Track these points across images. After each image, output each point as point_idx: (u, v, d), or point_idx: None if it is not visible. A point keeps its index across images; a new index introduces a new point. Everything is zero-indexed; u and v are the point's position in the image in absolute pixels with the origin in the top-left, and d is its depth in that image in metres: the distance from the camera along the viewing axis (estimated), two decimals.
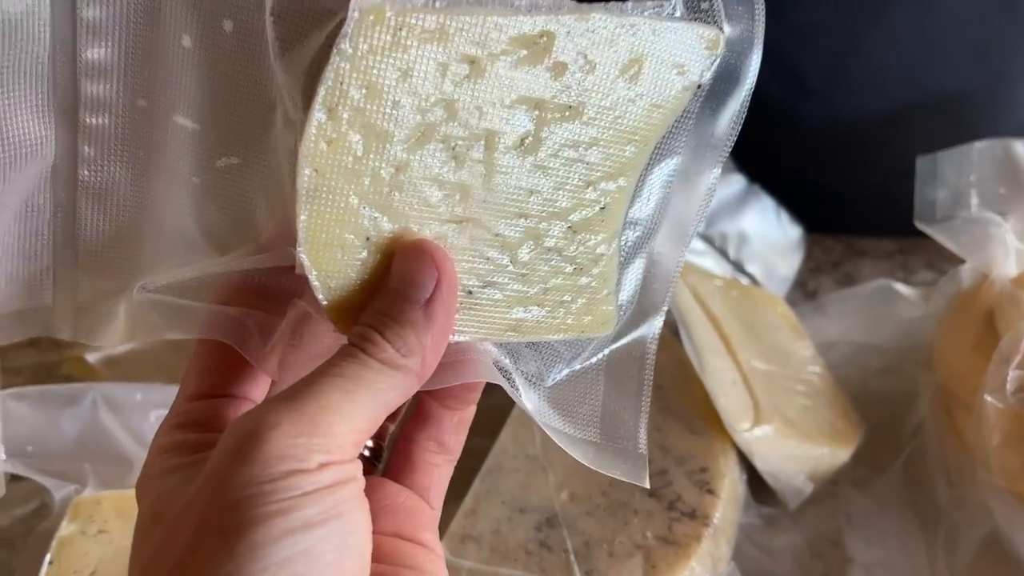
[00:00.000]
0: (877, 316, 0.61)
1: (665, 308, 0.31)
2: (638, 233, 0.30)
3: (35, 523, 0.52)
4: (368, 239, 0.25)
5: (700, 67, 0.27)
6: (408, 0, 0.23)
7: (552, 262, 0.28)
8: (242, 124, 0.26)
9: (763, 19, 0.27)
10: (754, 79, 0.28)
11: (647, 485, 0.29)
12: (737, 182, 0.68)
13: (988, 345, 0.49)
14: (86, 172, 0.28)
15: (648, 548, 0.46)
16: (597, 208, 0.27)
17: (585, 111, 0.26)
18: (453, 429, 0.29)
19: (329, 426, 0.23)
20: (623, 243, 0.29)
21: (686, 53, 0.26)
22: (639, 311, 0.31)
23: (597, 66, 0.26)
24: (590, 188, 0.27)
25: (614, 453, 0.30)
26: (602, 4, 0.25)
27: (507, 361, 0.29)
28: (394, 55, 0.24)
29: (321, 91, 0.23)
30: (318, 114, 0.24)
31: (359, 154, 0.24)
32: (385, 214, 0.25)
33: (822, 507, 0.53)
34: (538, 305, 0.28)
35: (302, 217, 0.24)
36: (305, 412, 0.22)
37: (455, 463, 0.30)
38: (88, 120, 0.27)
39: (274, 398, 0.23)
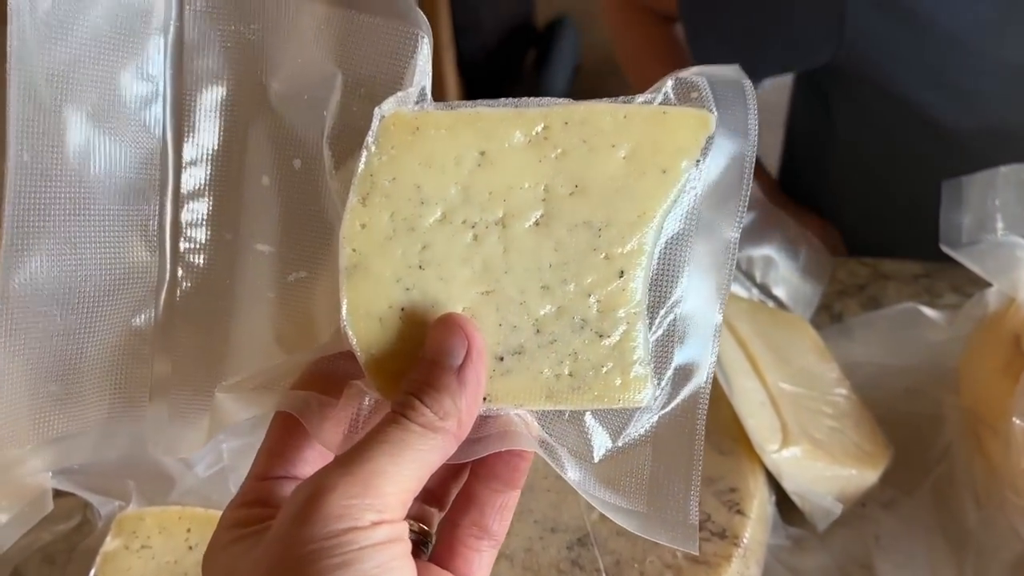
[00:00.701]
0: (903, 339, 0.61)
1: (709, 372, 0.31)
2: (667, 300, 0.31)
3: (77, 539, 0.53)
4: (403, 310, 0.29)
5: (694, 145, 0.29)
6: (424, 104, 0.28)
7: (578, 329, 0.29)
8: (309, 243, 0.31)
9: (754, 100, 0.30)
10: (755, 147, 0.30)
11: (696, 552, 0.30)
12: (763, 208, 0.69)
13: (1015, 368, 0.50)
14: (180, 295, 0.32)
15: (678, 568, 0.46)
16: (615, 275, 0.29)
17: (589, 188, 0.29)
18: (497, 514, 0.30)
19: (379, 488, 0.25)
20: (653, 311, 0.30)
21: (679, 134, 0.29)
22: (681, 377, 0.31)
23: (597, 150, 0.29)
24: (603, 256, 0.29)
25: (662, 522, 0.30)
26: (596, 100, 0.29)
27: (552, 440, 0.30)
28: (414, 150, 0.28)
29: (355, 181, 0.28)
30: (353, 200, 0.28)
31: (390, 234, 0.29)
32: (417, 287, 0.29)
33: (850, 529, 0.53)
34: (569, 373, 0.30)
35: (344, 290, 0.28)
36: (358, 476, 0.25)
37: (498, 548, 0.31)
38: (186, 252, 0.32)
39: (330, 464, 0.26)
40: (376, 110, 0.28)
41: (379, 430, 0.27)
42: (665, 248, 0.30)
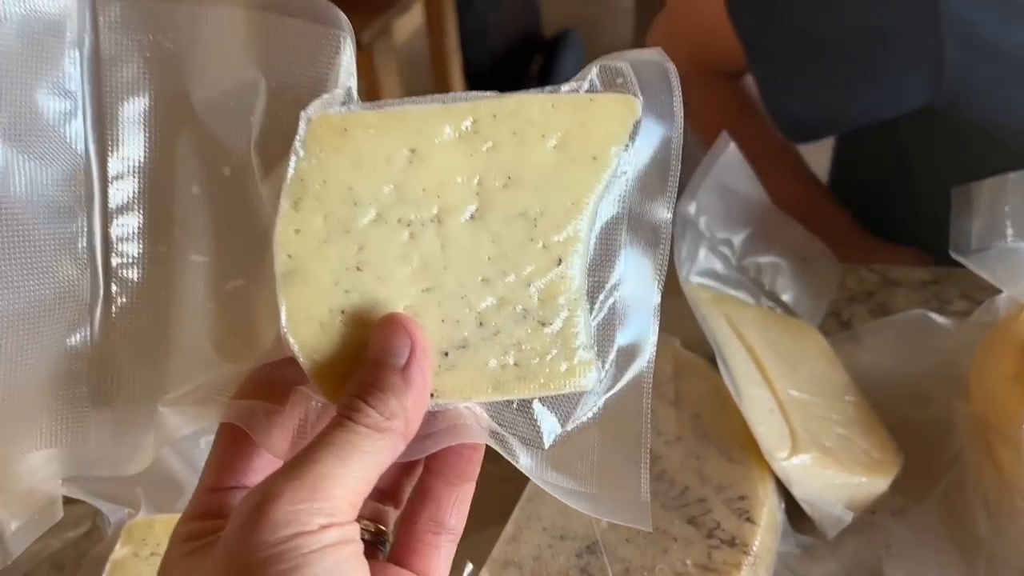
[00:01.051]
0: (913, 346, 0.61)
1: (652, 351, 0.32)
2: (606, 284, 0.31)
3: (86, 546, 0.54)
4: (344, 312, 0.29)
5: (622, 130, 0.30)
6: (351, 105, 0.28)
7: (520, 319, 0.30)
8: (243, 250, 0.31)
9: (678, 81, 0.30)
10: (681, 128, 0.30)
11: (649, 528, 0.31)
12: (771, 214, 0.69)
13: None
14: (116, 312, 0.31)
15: None
16: (553, 263, 0.30)
17: (522, 179, 0.29)
18: (453, 508, 0.30)
19: (327, 491, 0.25)
20: (593, 296, 0.31)
21: (606, 120, 0.29)
22: (625, 358, 0.32)
23: (527, 141, 0.29)
24: (540, 245, 0.29)
25: (613, 502, 0.31)
26: (523, 91, 0.29)
27: (502, 430, 0.31)
28: (343, 151, 0.28)
29: (286, 187, 0.28)
30: (285, 206, 0.28)
31: (325, 238, 0.28)
32: (356, 289, 0.29)
33: (860, 537, 0.53)
34: (515, 363, 0.30)
35: (282, 297, 0.28)
36: (305, 480, 0.25)
37: (456, 542, 0.31)
38: (118, 268, 0.31)
39: (277, 471, 0.26)
40: (302, 114, 0.28)
41: (325, 433, 0.27)
42: (601, 233, 0.30)
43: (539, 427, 0.31)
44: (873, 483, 0.53)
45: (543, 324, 0.30)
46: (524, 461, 0.30)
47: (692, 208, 0.60)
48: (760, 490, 0.50)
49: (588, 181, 0.29)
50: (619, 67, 0.30)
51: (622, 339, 0.31)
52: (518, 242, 0.29)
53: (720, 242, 0.65)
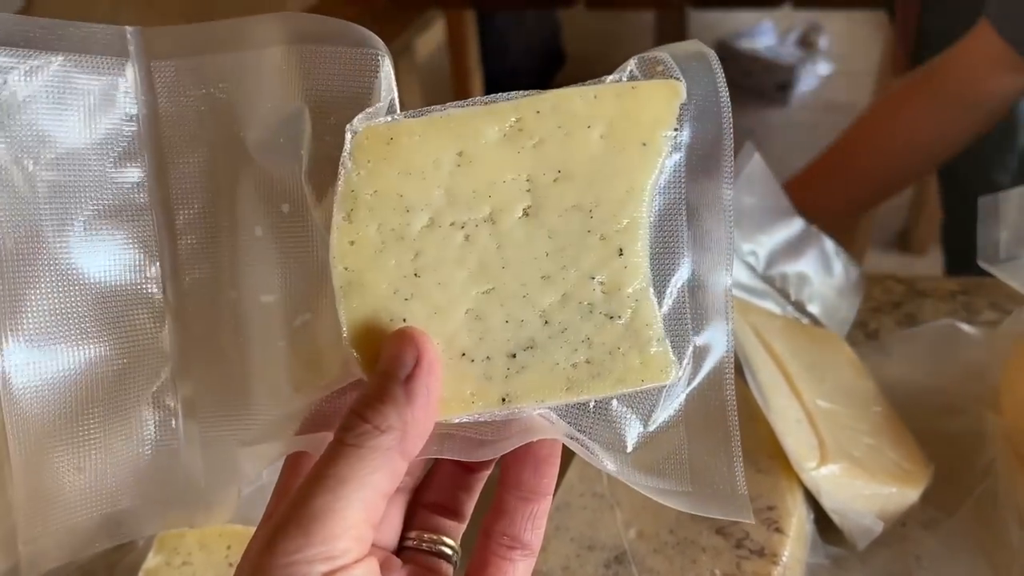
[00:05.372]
0: (941, 356, 0.61)
1: (729, 339, 0.31)
2: (672, 273, 0.30)
3: (117, 556, 0.54)
4: (405, 320, 0.28)
5: (669, 114, 0.29)
6: (395, 114, 0.28)
7: (586, 314, 0.29)
8: (307, 283, 0.31)
9: (719, 64, 0.30)
10: (728, 105, 0.30)
11: (752, 520, 0.30)
12: (796, 225, 0.69)
13: None
14: (195, 360, 0.32)
15: None
16: (614, 254, 0.29)
17: (573, 172, 0.29)
18: (527, 523, 0.29)
19: (323, 530, 0.23)
20: (660, 286, 0.30)
21: (652, 105, 0.29)
22: (702, 349, 0.31)
23: (573, 133, 0.29)
24: (599, 236, 0.29)
25: (709, 498, 0.30)
26: (565, 87, 0.29)
27: (581, 435, 0.30)
28: (391, 160, 0.28)
29: (337, 200, 0.28)
30: (338, 219, 0.28)
31: (380, 247, 0.28)
32: (415, 296, 0.29)
33: (891, 549, 0.53)
34: (586, 360, 0.29)
35: (342, 310, 0.28)
36: (297, 524, 0.23)
37: (534, 558, 0.30)
38: (193, 318, 0.32)
39: (276, 513, 0.24)
40: (347, 127, 0.28)
41: (316, 466, 0.25)
42: (660, 220, 0.30)
43: (620, 430, 0.30)
44: (903, 494, 0.52)
45: (611, 317, 0.29)
46: (609, 465, 0.30)
47: None
48: (789, 500, 0.50)
49: (641, 167, 0.29)
50: (658, 56, 0.30)
51: (696, 329, 0.30)
52: (575, 235, 0.29)
53: (746, 252, 0.65)
